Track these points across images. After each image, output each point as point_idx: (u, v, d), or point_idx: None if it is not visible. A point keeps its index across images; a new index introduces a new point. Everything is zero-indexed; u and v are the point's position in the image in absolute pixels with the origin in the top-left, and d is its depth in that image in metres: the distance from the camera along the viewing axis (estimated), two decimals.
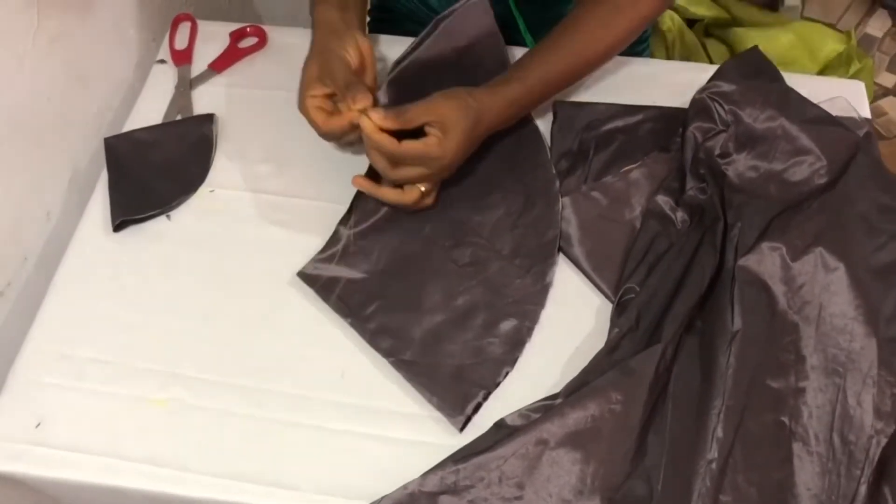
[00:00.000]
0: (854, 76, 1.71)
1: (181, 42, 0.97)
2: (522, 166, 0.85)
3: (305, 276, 0.78)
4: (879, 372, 0.67)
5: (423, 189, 0.78)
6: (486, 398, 0.72)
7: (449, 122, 0.74)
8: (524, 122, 0.87)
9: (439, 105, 0.75)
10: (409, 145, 0.74)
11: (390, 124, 0.74)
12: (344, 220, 0.81)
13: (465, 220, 0.81)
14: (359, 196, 0.82)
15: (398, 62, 0.85)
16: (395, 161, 0.75)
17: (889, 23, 1.93)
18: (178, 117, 0.90)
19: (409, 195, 0.78)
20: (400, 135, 0.74)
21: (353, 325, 0.76)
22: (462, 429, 0.71)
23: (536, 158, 0.86)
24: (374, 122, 0.73)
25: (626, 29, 0.84)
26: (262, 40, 0.97)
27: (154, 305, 0.78)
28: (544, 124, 0.89)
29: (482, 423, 0.71)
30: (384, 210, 0.81)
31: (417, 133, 0.75)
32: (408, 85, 0.85)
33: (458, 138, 0.74)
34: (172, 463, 0.70)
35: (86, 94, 0.90)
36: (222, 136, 0.89)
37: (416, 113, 0.74)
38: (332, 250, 0.79)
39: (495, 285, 0.78)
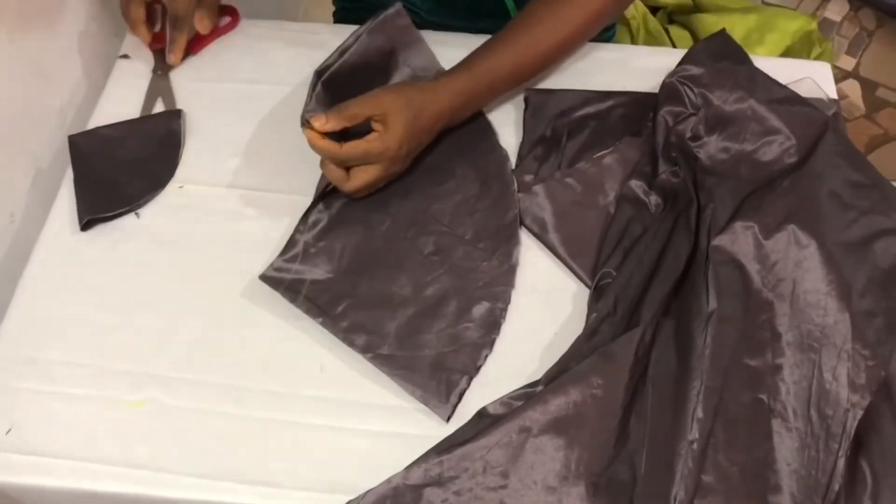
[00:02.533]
0: (815, 60, 1.73)
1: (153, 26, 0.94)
2: (472, 152, 0.85)
3: (268, 279, 0.76)
4: (853, 346, 0.67)
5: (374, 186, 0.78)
6: (469, 384, 0.72)
7: (390, 113, 0.74)
8: None
9: (380, 97, 0.75)
10: (351, 145, 0.74)
11: (332, 125, 0.73)
12: (301, 221, 0.80)
13: (425, 210, 0.81)
14: (319, 197, 0.81)
15: (319, 72, 0.84)
16: (342, 164, 0.75)
17: (847, 7, 1.96)
18: (159, 101, 0.88)
19: (363, 193, 0.79)
20: (348, 137, 0.74)
21: (324, 324, 0.74)
22: (449, 418, 0.70)
23: (485, 142, 0.86)
24: (315, 127, 0.73)
25: (579, 23, 0.83)
26: (235, 19, 0.95)
27: (125, 305, 0.77)
28: (516, 111, 0.89)
29: (465, 411, 0.71)
30: (339, 207, 0.80)
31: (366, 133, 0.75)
32: (338, 89, 0.84)
33: (399, 130, 0.74)
34: (150, 465, 0.68)
35: (47, 91, 0.88)
36: (190, 131, 0.88)
37: (359, 107, 0.74)
38: (292, 252, 0.78)
39: (462, 271, 0.78)
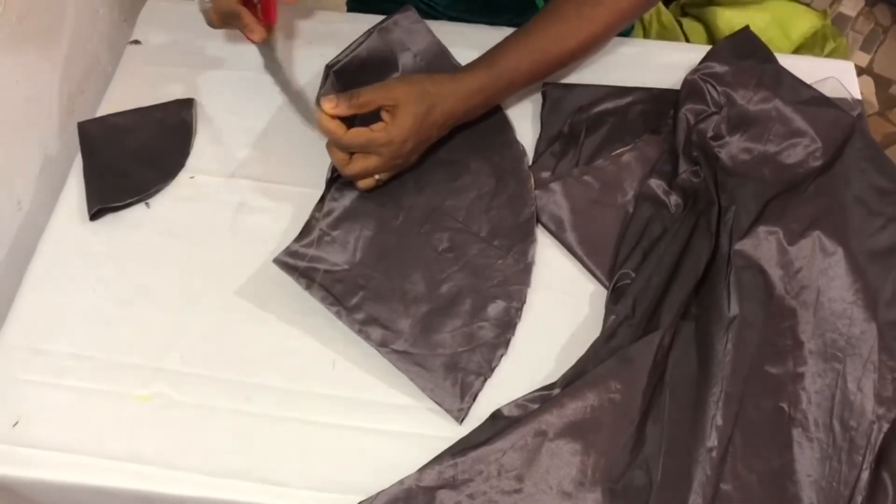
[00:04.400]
0: (828, 55, 1.71)
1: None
2: (488, 146, 0.84)
3: (282, 264, 0.75)
4: (880, 357, 0.66)
5: (378, 178, 0.77)
6: (483, 385, 0.71)
7: (400, 104, 0.72)
8: None
9: (394, 87, 0.74)
10: (354, 132, 0.72)
11: (343, 110, 0.72)
12: (317, 208, 0.79)
13: (439, 206, 0.80)
14: (329, 183, 0.80)
15: (330, 66, 0.83)
16: (345, 149, 0.74)
17: (862, 2, 1.94)
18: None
19: (364, 183, 0.77)
20: (355, 122, 0.73)
21: (339, 315, 0.73)
22: (462, 420, 0.69)
23: (502, 137, 0.85)
24: (325, 110, 0.72)
25: (605, 23, 0.81)
26: None
27: (134, 297, 0.75)
28: (534, 106, 0.87)
29: (479, 412, 0.70)
30: (352, 196, 0.79)
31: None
32: (349, 81, 0.83)
33: (407, 122, 0.72)
34: (158, 461, 0.68)
35: (56, 77, 0.86)
36: (202, 121, 0.86)
37: (371, 94, 0.73)
38: (308, 238, 0.77)
39: (477, 268, 0.77)
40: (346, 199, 0.79)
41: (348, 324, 0.73)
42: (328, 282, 0.74)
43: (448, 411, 0.70)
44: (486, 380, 0.71)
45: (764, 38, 1.46)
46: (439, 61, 0.88)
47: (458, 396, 0.70)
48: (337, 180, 0.80)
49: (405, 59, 0.87)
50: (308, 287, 0.74)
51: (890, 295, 0.69)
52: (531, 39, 0.80)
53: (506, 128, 0.86)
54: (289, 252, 0.75)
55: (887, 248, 0.71)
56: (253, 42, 0.79)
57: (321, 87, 0.81)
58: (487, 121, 0.85)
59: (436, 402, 0.70)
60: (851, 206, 0.73)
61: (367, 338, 0.72)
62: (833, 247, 0.70)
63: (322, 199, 0.79)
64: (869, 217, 0.72)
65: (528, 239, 0.79)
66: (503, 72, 0.78)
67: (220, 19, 0.78)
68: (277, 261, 0.75)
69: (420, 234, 0.78)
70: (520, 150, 0.84)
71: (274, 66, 0.84)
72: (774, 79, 0.80)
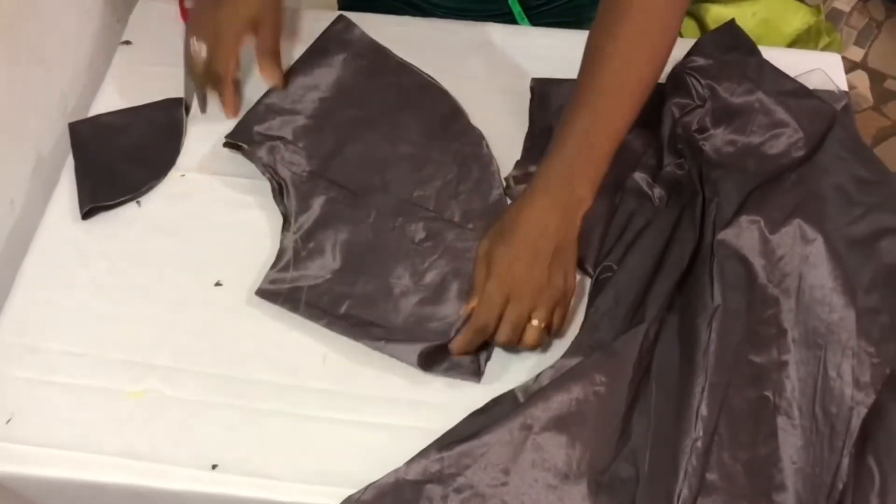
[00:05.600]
0: (823, 50, 1.72)
1: None
2: (445, 135, 0.85)
3: (265, 293, 0.75)
4: (858, 342, 0.67)
5: (535, 323, 0.70)
6: (491, 348, 0.73)
7: (483, 255, 0.72)
8: (432, 90, 0.88)
9: (479, 247, 0.74)
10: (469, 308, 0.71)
11: (468, 340, 0.71)
12: (285, 226, 0.79)
13: (407, 198, 0.81)
14: (289, 198, 0.80)
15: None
16: (486, 325, 0.70)
17: None
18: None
19: (530, 337, 0.70)
20: None
21: (329, 325, 0.73)
22: (481, 376, 0.72)
23: (456, 124, 0.86)
24: (459, 347, 0.71)
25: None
26: None
27: (126, 294, 0.76)
28: (523, 102, 0.88)
29: (464, 405, 0.70)
30: (319, 204, 0.79)
31: None
32: (317, 121, 0.85)
33: (494, 264, 0.71)
34: (150, 456, 0.68)
35: (48, 77, 0.87)
36: (192, 119, 0.87)
37: (476, 279, 0.72)
38: (283, 261, 0.77)
39: (457, 253, 0.78)
40: (314, 209, 0.79)
41: (340, 330, 0.73)
42: (313, 297, 0.75)
43: (463, 376, 0.71)
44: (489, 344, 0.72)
45: (756, 34, 1.46)
46: (379, 60, 0.89)
47: (476, 362, 0.72)
48: (288, 199, 0.80)
49: (340, 63, 0.89)
50: (295, 310, 0.74)
51: (868, 282, 0.69)
52: (591, 90, 0.73)
53: (459, 115, 0.87)
54: (269, 280, 0.75)
55: (865, 236, 0.71)
56: (226, 115, 0.86)
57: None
58: (438, 110, 0.86)
59: (450, 377, 0.72)
60: (830, 194, 0.73)
61: (367, 336, 0.73)
62: (813, 233, 0.71)
63: (287, 220, 0.79)
64: (848, 206, 0.73)
65: None
66: (566, 138, 0.72)
67: (206, 75, 0.82)
68: (260, 291, 0.75)
69: (395, 229, 0.79)
70: (476, 134, 0.85)
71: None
72: (757, 71, 0.81)
